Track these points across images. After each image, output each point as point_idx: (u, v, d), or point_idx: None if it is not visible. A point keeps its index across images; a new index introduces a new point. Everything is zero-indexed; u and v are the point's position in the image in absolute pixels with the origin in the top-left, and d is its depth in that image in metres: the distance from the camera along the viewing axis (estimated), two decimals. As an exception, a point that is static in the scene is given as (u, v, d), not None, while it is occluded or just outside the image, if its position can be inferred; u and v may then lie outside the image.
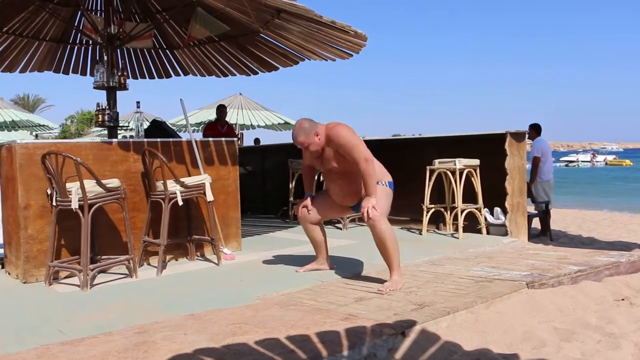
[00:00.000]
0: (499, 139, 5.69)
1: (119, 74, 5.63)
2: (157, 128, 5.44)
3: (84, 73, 7.19)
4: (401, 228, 6.39)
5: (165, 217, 4.24)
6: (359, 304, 3.21)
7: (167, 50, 7.08)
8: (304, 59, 6.20)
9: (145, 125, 5.74)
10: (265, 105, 14.22)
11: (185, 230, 4.71)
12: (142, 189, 4.53)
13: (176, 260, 4.73)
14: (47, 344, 2.64)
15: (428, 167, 5.83)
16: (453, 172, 5.64)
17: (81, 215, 3.76)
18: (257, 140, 13.64)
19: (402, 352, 2.60)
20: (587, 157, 60.67)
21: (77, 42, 6.90)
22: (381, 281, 3.69)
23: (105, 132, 8.39)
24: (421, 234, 5.91)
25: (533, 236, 6.76)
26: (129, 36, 5.89)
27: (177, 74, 7.37)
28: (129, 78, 5.85)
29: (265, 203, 8.84)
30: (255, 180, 8.92)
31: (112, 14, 5.75)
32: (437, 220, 6.20)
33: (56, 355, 2.50)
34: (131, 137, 6.25)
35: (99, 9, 6.49)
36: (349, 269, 4.18)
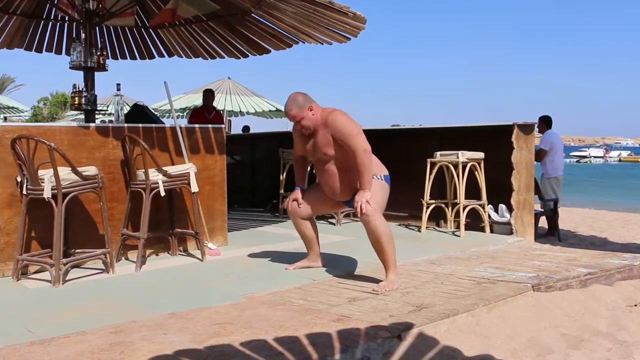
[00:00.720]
0: (506, 131, 5.69)
1: (98, 53, 5.58)
2: (139, 113, 5.40)
3: (59, 51, 7.12)
4: (399, 224, 6.41)
5: (146, 209, 4.23)
6: (352, 304, 3.21)
7: (151, 30, 7.03)
8: (298, 42, 6.17)
9: (126, 109, 5.71)
10: (255, 91, 14.19)
11: (167, 223, 4.70)
12: (121, 177, 4.52)
13: (157, 255, 4.72)
14: (14, 344, 2.62)
15: (429, 160, 5.84)
16: (455, 166, 5.64)
17: (54, 205, 3.73)
18: (246, 128, 13.59)
19: (397, 357, 2.60)
20: (600, 152, 60.94)
21: (52, 17, 6.83)
22: (376, 281, 3.69)
23: (82, 116, 8.32)
24: (420, 231, 5.92)
25: (540, 236, 6.79)
26: (109, 13, 5.84)
27: (161, 55, 7.33)
28: (108, 58, 5.83)
29: (254, 195, 8.83)
30: (243, 171, 8.90)
31: (91, -13, 5.69)
32: (437, 217, 6.22)
33: (24, 356, 2.48)
34: (110, 122, 6.21)
35: (76, -19, 6.43)
36: (342, 267, 4.18)
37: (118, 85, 4.95)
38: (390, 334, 2.69)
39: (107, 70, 5.76)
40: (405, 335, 2.74)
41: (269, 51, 6.55)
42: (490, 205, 5.83)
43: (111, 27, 6.99)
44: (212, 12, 5.87)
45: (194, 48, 7.00)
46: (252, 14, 6.00)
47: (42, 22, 6.82)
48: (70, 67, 5.59)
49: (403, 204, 6.36)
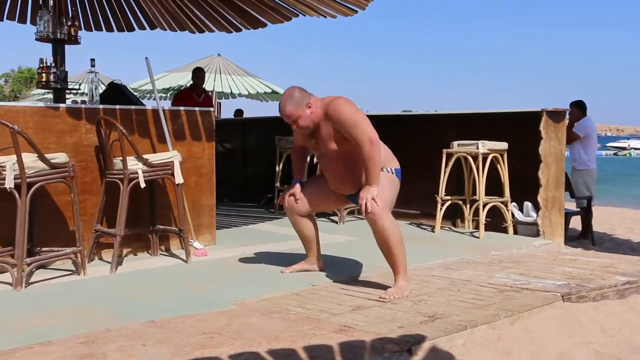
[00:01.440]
0: (533, 118, 5.68)
1: (69, 23, 5.57)
2: (116, 92, 5.40)
3: (22, 20, 7.09)
4: (410, 223, 6.41)
5: (124, 202, 4.23)
6: (356, 313, 3.21)
7: (130, -3, 7.00)
8: (298, 15, 6.15)
9: (101, 88, 5.70)
10: (248, 70, 14.16)
11: (148, 219, 4.71)
12: (95, 166, 4.51)
13: (135, 255, 4.73)
14: (-30, 354, 2.62)
15: (444, 151, 5.83)
16: (475, 157, 5.63)
17: (17, 196, 3.73)
18: (238, 112, 13.58)
19: (407, 374, 2.60)
20: (642, 144, 60.87)
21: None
22: (384, 287, 3.69)
23: (50, 95, 8.31)
24: (434, 232, 5.93)
25: (571, 238, 6.78)
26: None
27: (142, 28, 7.31)
28: (81, 29, 5.81)
29: (247, 188, 8.83)
30: (234, 161, 8.91)
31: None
32: (453, 216, 6.22)
33: (-19, 367, 2.48)
34: (83, 102, 6.20)
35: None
36: (345, 270, 4.18)
37: (92, 60, 4.93)
38: (399, 348, 2.69)
39: (79, 43, 5.75)
40: (416, 349, 2.74)
41: (265, 25, 6.54)
42: (514, 203, 5.82)
43: (85, -6, 6.97)
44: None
45: (179, 20, 6.97)
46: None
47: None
48: (36, 39, 5.58)
49: (415, 201, 6.35)
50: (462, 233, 5.92)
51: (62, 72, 5.56)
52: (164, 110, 4.80)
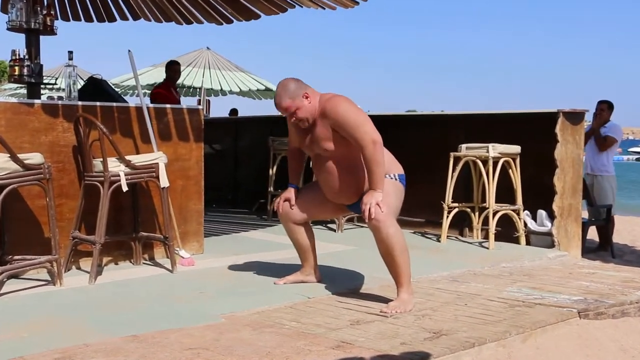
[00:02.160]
0: (548, 119, 5.71)
1: (44, 12, 5.57)
2: (96, 88, 5.40)
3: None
4: (414, 232, 6.42)
5: (104, 207, 4.23)
6: (355, 328, 3.23)
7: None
8: (295, 6, 6.17)
9: (80, 84, 5.70)
10: (240, 65, 14.18)
11: (130, 225, 4.71)
12: (73, 168, 4.51)
13: (116, 264, 4.73)
14: None
15: (452, 154, 5.85)
16: (485, 162, 5.66)
17: (-12, 199, 3.73)
18: (233, 112, 13.57)
19: (410, 394, 2.62)
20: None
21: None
22: (385, 300, 3.71)
23: (24, 90, 8.31)
24: (440, 241, 5.94)
25: (589, 250, 6.80)
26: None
27: (125, 18, 7.32)
28: (57, 19, 5.83)
29: (237, 193, 8.84)
30: (224, 163, 8.90)
31: None
32: (461, 224, 6.24)
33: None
34: (60, 98, 6.20)
35: None
36: (343, 282, 4.20)
37: (70, 53, 4.94)
38: (401, 366, 2.70)
39: (55, 34, 5.75)
40: (420, 367, 2.75)
41: (259, 16, 6.55)
42: (526, 211, 5.84)
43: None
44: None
45: (165, 10, 6.99)
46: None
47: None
48: (7, 29, 5.58)
49: (419, 208, 6.36)
50: (470, 243, 5.93)
51: (36, 65, 5.56)
52: (148, 107, 4.80)
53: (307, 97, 3.64)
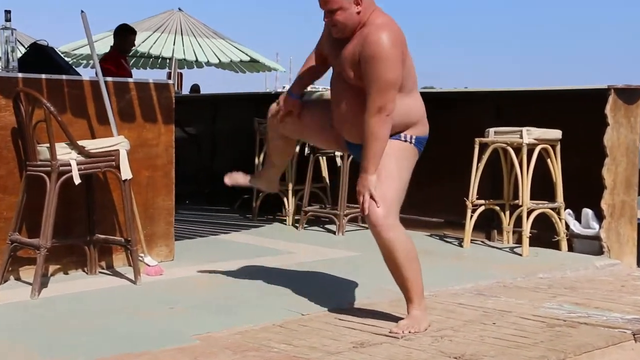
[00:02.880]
0: (596, 98, 5.66)
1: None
2: (41, 57, 5.36)
3: None
4: (430, 235, 6.37)
5: (51, 204, 4.20)
6: (359, 352, 3.21)
7: None
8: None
9: (20, 52, 5.64)
10: (219, 32, 14.11)
11: (84, 226, 4.68)
12: (12, 155, 4.48)
13: (66, 273, 4.70)
14: None
15: (477, 140, 5.81)
16: (518, 149, 5.62)
17: None
18: (195, 88, 13.54)
19: None
20: None
21: None
22: (396, 318, 3.67)
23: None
24: (462, 246, 5.91)
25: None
26: None
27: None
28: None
29: (215, 187, 8.78)
30: (200, 150, 8.89)
31: None
32: (488, 226, 6.22)
33: None
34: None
35: None
36: (344, 295, 4.19)
37: (7, 13, 4.89)
38: (415, 399, 2.68)
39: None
40: (439, 401, 2.73)
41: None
42: (568, 210, 5.81)
43: None
44: None
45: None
46: None
47: None
48: None
49: (437, 206, 6.34)
50: (500, 248, 5.91)
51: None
52: (106, 81, 4.75)
53: (358, 4, 3.53)
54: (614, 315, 3.92)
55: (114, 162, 4.41)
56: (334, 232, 6.47)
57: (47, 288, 4.30)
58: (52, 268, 4.60)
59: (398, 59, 3.48)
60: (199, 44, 13.33)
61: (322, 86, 8.28)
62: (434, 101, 7.13)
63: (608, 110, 5.59)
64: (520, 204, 5.63)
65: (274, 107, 4.00)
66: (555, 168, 5.69)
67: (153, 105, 5.00)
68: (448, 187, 6.17)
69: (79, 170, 4.24)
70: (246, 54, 13.87)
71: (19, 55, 5.26)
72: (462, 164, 5.94)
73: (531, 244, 5.62)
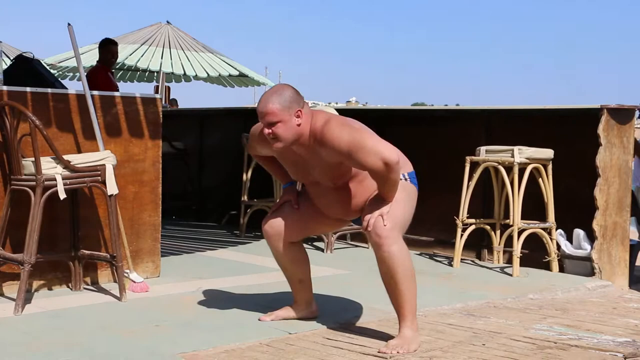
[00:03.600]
0: (589, 117, 5.68)
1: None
2: (26, 69, 5.37)
3: None
4: (420, 254, 6.40)
5: (36, 219, 4.19)
6: (347, 373, 3.19)
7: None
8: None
9: (6, 63, 5.65)
10: (208, 45, 14.13)
11: (68, 241, 4.67)
12: (-4, 169, 4.49)
13: (50, 289, 4.68)
14: None
15: (468, 158, 5.83)
16: (509, 168, 5.64)
17: None
18: (173, 102, 13.51)
19: None
20: None
21: None
22: (384, 337, 3.68)
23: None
24: (452, 266, 5.93)
25: (638, 280, 6.78)
26: None
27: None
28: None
29: (203, 202, 8.80)
30: (187, 166, 8.87)
31: None
32: (478, 245, 6.23)
33: None
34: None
35: None
36: (332, 314, 4.18)
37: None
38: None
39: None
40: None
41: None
42: (560, 230, 5.83)
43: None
44: None
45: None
46: None
47: None
48: None
49: (427, 224, 6.32)
50: (490, 268, 5.91)
51: (-49, 40, 5.52)
52: (92, 95, 4.75)
53: (298, 117, 3.56)
54: (605, 338, 3.93)
55: (99, 177, 4.41)
56: (322, 250, 6.45)
57: (31, 304, 4.29)
58: (36, 284, 4.59)
59: (350, 124, 3.57)
60: (187, 57, 13.33)
61: (322, 102, 8.30)
62: (425, 119, 7.20)
63: (600, 130, 5.61)
64: (511, 223, 5.66)
65: (266, 219, 3.96)
66: (547, 188, 5.72)
67: (140, 120, 5.00)
68: (438, 206, 6.17)
69: (64, 185, 4.23)
70: (235, 68, 13.88)
71: (4, 67, 5.27)
72: (453, 183, 5.97)
73: (522, 264, 5.65)
